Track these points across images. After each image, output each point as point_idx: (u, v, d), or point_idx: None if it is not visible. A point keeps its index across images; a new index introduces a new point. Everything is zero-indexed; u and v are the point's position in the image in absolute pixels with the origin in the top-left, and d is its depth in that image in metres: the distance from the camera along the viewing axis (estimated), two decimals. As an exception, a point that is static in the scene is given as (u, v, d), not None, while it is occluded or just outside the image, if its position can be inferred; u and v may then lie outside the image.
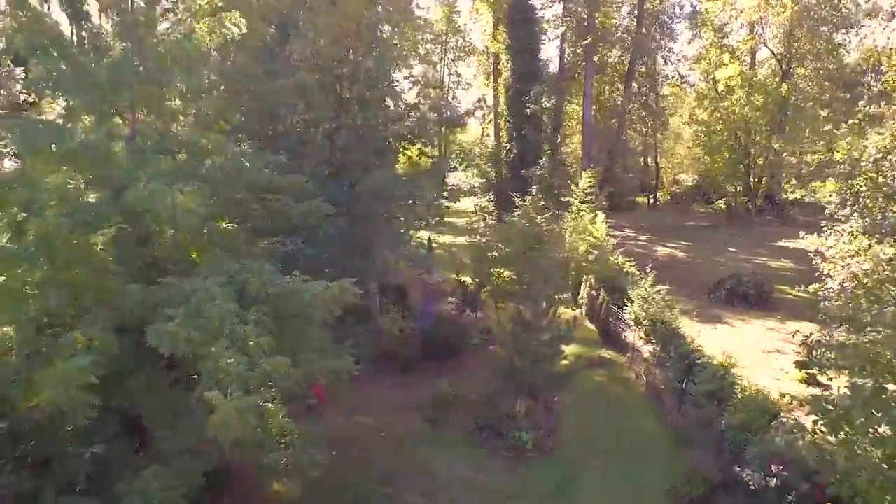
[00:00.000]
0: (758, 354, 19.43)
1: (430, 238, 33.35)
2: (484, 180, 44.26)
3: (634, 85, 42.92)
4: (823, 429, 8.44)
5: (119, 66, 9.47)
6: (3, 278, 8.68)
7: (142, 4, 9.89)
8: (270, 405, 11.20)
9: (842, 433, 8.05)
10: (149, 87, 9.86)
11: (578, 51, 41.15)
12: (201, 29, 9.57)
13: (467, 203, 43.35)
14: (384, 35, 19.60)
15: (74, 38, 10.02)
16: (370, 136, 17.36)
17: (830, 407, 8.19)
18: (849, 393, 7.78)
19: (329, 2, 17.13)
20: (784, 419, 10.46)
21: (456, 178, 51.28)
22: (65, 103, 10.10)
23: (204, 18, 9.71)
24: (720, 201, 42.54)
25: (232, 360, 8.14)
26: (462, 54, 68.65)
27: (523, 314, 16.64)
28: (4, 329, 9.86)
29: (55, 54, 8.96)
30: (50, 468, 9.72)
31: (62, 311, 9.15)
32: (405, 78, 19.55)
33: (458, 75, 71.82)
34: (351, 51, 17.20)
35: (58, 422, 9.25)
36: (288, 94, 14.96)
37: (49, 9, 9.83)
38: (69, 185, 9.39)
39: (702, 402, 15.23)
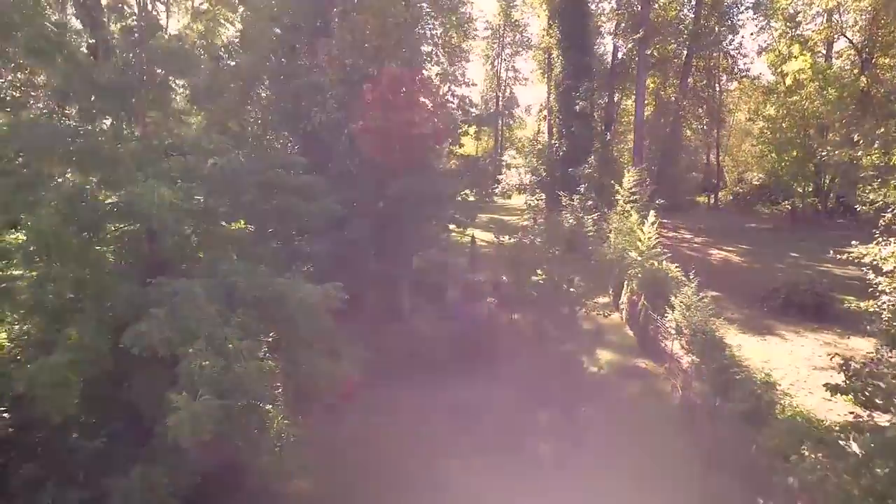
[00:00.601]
0: (808, 371, 17.93)
1: (473, 237, 33.05)
2: (535, 178, 43.53)
3: (690, 80, 40.65)
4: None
5: (124, 70, 9.70)
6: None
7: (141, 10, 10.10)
8: (270, 407, 11.33)
9: (864, 480, 7.09)
10: (154, 89, 10.07)
11: (630, 45, 39.50)
12: (196, 28, 9.63)
13: (520, 200, 42.87)
14: (419, 32, 19.32)
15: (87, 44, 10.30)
16: (396, 136, 17.17)
17: (851, 451, 7.23)
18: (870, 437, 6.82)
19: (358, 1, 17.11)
20: (805, 453, 9.41)
21: (511, 174, 50.88)
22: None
23: (202, 19, 9.78)
24: (786, 203, 39.73)
25: (207, 361, 8.14)
26: (520, 49, 67.86)
27: (545, 320, 16.08)
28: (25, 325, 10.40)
29: (58, 59, 9.25)
30: (56, 460, 10.14)
31: (61, 308, 9.45)
32: (436, 75, 19.11)
33: (516, 70, 71.17)
34: (377, 50, 17.09)
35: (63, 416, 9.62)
36: (308, 93, 14.96)
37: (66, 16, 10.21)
38: (74, 185, 9.67)
39: (736, 421, 14.19)
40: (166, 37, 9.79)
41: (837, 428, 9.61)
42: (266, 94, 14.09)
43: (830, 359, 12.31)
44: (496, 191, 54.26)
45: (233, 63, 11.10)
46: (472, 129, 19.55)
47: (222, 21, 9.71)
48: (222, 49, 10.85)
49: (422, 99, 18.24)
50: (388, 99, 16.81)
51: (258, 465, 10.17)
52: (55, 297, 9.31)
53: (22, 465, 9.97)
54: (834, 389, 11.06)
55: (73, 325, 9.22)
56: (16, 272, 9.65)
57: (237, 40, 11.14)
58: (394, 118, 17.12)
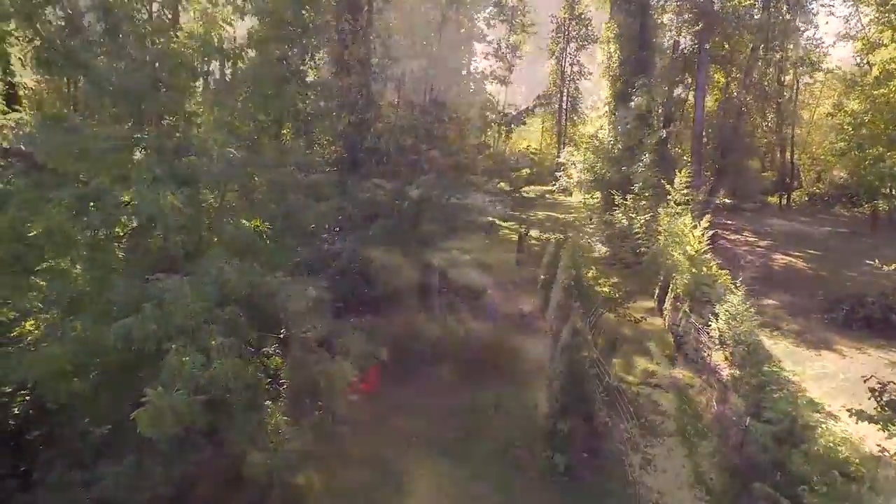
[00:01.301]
0: (864, 392, 16.30)
1: (521, 235, 32.54)
2: (590, 176, 42.22)
3: (755, 75, 37.75)
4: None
5: (133, 74, 10.17)
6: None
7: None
8: (269, 404, 11.57)
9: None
10: (163, 91, 10.51)
11: (689, 38, 37.37)
12: (198, 31, 9.92)
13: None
14: (452, 31, 19.14)
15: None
16: (422, 136, 17.09)
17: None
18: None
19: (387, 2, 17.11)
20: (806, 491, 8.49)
21: (570, 171, 49.67)
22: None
23: (208, 21, 10.06)
24: (867, 205, 36.32)
25: (187, 358, 8.39)
26: (585, 44, 65.99)
27: (562, 327, 15.50)
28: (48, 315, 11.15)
29: (67, 67, 9.81)
30: (71, 442, 10.81)
31: (73, 301, 10.03)
32: (468, 73, 18.83)
33: (581, 65, 69.28)
34: (406, 49, 17.04)
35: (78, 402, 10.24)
36: (336, 94, 15.14)
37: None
38: (87, 185, 10.22)
39: (767, 444, 13.12)
40: (166, 40, 10.15)
41: (857, 461, 8.66)
42: (289, 93, 14.32)
43: (864, 381, 11.23)
44: (555, 188, 53.22)
45: (241, 65, 11.36)
46: (502, 128, 19.11)
47: (222, 23, 9.96)
48: (233, 50, 11.11)
49: (449, 99, 18.06)
50: (412, 99, 16.77)
51: (252, 460, 10.37)
52: (65, 291, 9.91)
53: (41, 446, 10.73)
54: (858, 416, 10.05)
55: (81, 318, 9.78)
56: (37, 267, 10.32)
57: (244, 41, 11.37)
58: (419, 118, 17.05)
